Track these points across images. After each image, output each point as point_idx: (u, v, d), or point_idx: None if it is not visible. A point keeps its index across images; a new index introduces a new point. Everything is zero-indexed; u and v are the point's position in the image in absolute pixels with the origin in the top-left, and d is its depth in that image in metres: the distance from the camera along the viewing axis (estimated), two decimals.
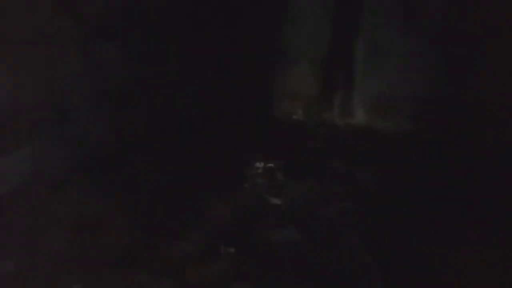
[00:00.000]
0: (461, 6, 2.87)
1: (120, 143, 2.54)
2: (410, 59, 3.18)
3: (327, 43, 3.51)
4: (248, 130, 3.29)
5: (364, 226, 2.19)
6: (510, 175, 2.34)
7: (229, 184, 2.56)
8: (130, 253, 1.86)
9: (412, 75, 3.18)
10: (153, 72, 2.81)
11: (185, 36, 3.04)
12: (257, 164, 2.73)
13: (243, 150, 2.99)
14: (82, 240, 1.87)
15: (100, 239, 1.91)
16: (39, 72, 2.03)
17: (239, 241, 2.01)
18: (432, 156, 2.83)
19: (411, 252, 2.03)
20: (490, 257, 1.95)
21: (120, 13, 2.47)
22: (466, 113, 2.84)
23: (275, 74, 3.58)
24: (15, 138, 1.94)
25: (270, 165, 2.73)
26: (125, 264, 1.80)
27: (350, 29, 3.43)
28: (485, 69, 2.65)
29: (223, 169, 2.72)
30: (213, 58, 3.28)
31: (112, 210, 2.09)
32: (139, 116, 2.74)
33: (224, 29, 3.31)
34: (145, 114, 2.79)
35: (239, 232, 2.08)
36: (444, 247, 2.05)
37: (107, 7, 2.42)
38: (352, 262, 1.94)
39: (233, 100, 3.42)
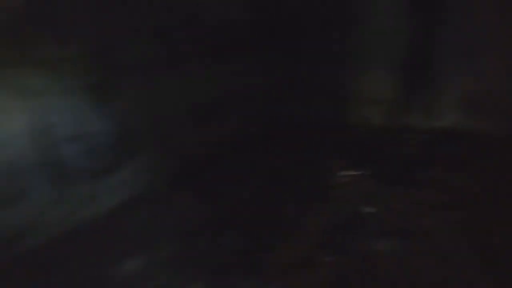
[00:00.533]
0: None
1: (215, 154, 2.69)
2: (505, 52, 2.92)
3: (406, 43, 3.37)
4: (329, 138, 3.29)
5: (466, 235, 2.09)
6: None
7: (318, 192, 2.57)
8: (237, 259, 1.94)
9: (508, 71, 2.92)
10: (239, 85, 2.94)
11: (267, 48, 3.15)
12: (344, 172, 2.70)
13: (327, 158, 2.99)
14: (192, 244, 1.98)
15: (210, 244, 2.01)
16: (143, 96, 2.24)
17: (338, 250, 2.01)
18: None
19: None
20: None
21: (213, 34, 2.66)
22: None
23: (353, 80, 3.53)
24: (125, 156, 2.15)
25: (358, 172, 2.70)
26: (235, 268, 1.88)
27: (430, 27, 3.27)
28: None
29: (309, 177, 2.73)
30: (291, 67, 3.34)
31: (217, 217, 2.20)
32: (229, 127, 2.87)
33: (301, 39, 3.37)
34: (234, 125, 2.92)
35: (337, 241, 2.09)
36: None
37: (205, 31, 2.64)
38: (456, 271, 1.86)
39: (313, 108, 3.46)
